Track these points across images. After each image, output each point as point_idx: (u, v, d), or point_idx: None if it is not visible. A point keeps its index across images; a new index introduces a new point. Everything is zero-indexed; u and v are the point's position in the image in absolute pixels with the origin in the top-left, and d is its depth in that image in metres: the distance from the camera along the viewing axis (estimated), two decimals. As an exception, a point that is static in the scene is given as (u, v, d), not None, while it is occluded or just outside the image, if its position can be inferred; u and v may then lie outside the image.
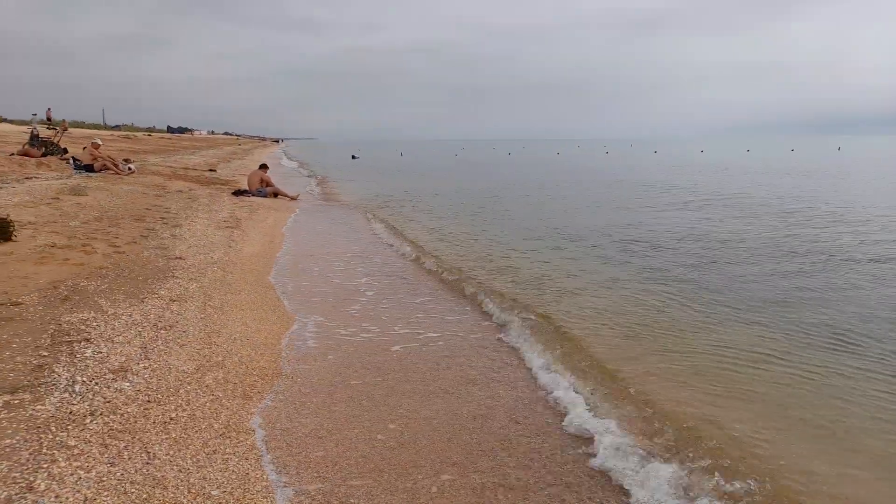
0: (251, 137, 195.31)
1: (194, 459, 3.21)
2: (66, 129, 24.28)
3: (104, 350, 4.46)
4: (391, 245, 10.50)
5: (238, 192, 17.08)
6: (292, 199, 17.29)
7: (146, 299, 5.87)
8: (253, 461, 3.28)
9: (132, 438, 3.34)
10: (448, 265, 8.65)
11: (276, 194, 17.19)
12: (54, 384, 3.81)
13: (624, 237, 11.32)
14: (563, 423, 3.89)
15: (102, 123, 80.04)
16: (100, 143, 18.54)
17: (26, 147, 19.49)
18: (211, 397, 3.97)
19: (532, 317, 6.11)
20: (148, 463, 3.13)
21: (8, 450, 3.06)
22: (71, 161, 17.81)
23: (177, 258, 7.85)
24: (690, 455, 3.43)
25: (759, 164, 40.97)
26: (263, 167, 18.11)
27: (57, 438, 3.22)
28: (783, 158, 51.60)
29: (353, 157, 57.76)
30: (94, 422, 3.45)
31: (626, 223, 13.23)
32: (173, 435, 3.43)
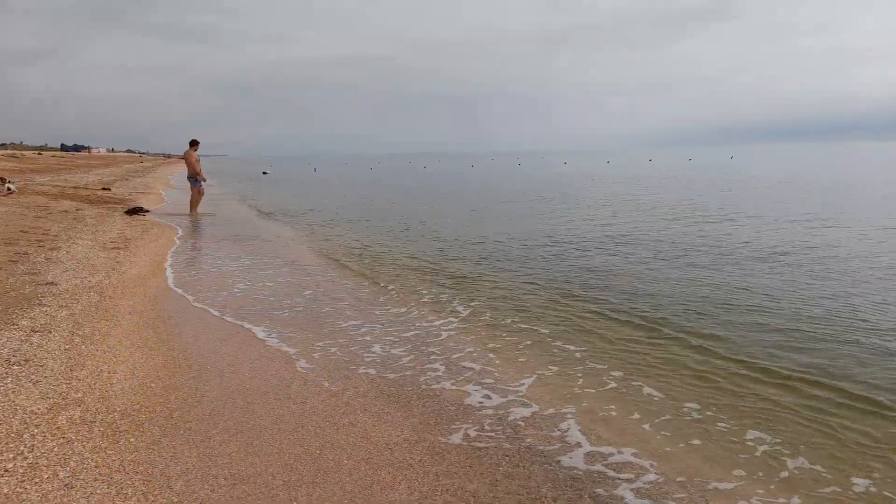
0: (156, 155, 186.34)
1: (26, 519, 2.73)
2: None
3: (-65, 393, 3.82)
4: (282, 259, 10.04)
5: (132, 211, 15.98)
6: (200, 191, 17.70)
7: (1, 331, 5.17)
8: (104, 514, 2.83)
9: (-51, 500, 2.80)
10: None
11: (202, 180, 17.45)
12: None
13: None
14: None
15: (-14, 142, 73.71)
16: (-29, 161, 16.88)
17: None
18: (61, 440, 3.44)
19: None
20: (-36, 528, 2.62)
21: None
22: (-63, 182, 16.07)
23: (48, 284, 7.07)
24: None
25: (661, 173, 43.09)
26: (194, 144, 17.53)
27: None
28: (683, 167, 54.60)
29: (264, 172, 56.11)
30: None
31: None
32: (5, 490, 2.91)
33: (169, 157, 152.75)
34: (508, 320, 6.54)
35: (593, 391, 4.62)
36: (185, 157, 17.54)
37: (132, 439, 3.59)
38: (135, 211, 15.99)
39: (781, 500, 3.17)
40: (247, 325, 6.24)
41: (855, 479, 3.36)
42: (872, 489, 3.27)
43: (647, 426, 4.04)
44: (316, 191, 32.06)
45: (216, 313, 6.68)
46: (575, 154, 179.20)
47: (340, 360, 5.24)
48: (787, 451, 3.67)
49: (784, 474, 3.42)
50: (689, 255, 10.22)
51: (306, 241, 12.61)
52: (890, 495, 3.20)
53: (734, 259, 9.71)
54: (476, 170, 61.18)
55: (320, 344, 5.68)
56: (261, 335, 5.92)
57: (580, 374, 4.96)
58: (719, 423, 4.04)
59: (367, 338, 5.92)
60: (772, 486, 3.29)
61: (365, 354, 5.42)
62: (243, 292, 7.73)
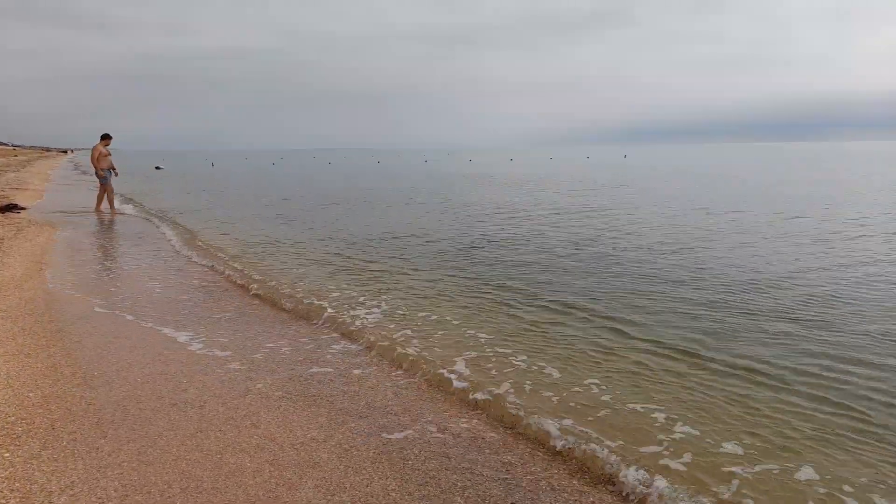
0: (32, 148, 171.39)
1: None
2: None
3: None
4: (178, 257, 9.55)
5: (5, 208, 14.63)
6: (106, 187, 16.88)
7: None
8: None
9: None
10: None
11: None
12: None
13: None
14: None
15: None
16: None
17: None
18: (-81, 461, 3.09)
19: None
20: None
21: None
22: None
23: None
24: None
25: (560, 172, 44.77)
26: (106, 138, 16.49)
27: None
28: (583, 164, 57.08)
29: (158, 167, 53.07)
30: None
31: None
32: None
33: (48, 150, 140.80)
34: (421, 314, 6.54)
35: (503, 375, 4.71)
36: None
37: (6, 454, 3.28)
38: (8, 208, 14.66)
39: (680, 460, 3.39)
40: (139, 324, 5.87)
41: (727, 444, 3.64)
42: (741, 448, 3.57)
43: (556, 404, 4.19)
44: (214, 187, 30.62)
45: (103, 315, 6.24)
46: (483, 151, 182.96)
47: (240, 361, 5.04)
48: (677, 419, 3.97)
49: (676, 436, 3.72)
50: (586, 246, 10.68)
51: (196, 239, 12.00)
52: (761, 457, 3.50)
53: (628, 249, 10.26)
54: (382, 166, 60.87)
55: (217, 344, 5.44)
56: (154, 336, 5.59)
57: (491, 361, 5.04)
58: (618, 397, 4.26)
59: (267, 336, 5.74)
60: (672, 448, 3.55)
61: (266, 353, 5.24)
62: (132, 292, 7.27)
